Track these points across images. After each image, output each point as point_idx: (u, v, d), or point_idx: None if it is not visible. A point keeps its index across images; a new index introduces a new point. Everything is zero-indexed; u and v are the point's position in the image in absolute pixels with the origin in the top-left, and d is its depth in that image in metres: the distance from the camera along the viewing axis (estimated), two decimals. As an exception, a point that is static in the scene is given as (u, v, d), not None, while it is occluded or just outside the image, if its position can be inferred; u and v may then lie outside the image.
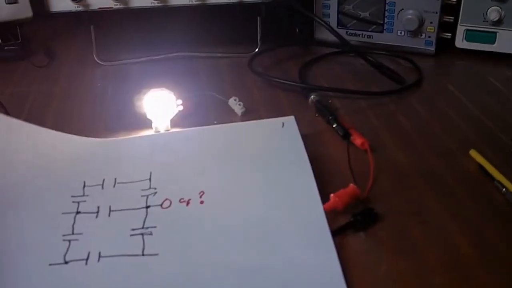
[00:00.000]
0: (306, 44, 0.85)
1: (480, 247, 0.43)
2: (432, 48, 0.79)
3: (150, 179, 0.51)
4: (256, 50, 0.79)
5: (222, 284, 0.39)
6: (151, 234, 0.44)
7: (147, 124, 0.60)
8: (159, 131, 0.59)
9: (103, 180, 0.51)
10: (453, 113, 0.64)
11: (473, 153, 0.55)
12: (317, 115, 0.63)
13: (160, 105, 0.59)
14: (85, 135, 0.59)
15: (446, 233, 0.45)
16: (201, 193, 0.48)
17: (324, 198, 0.48)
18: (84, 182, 0.50)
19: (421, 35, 0.79)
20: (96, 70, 0.78)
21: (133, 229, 0.45)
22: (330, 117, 0.59)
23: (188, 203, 0.47)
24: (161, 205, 0.47)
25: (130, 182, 0.51)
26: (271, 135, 0.56)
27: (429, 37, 0.78)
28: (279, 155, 0.53)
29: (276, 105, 0.66)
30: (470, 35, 0.77)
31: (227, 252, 0.42)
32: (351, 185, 0.48)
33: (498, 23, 0.75)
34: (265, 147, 0.54)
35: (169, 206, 0.47)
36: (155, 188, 0.49)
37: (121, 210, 0.47)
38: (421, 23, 0.77)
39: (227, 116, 0.63)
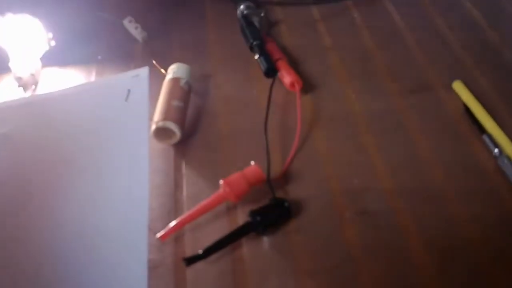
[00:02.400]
0: None
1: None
2: None
3: None
4: None
5: None
6: None
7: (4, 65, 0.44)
8: (19, 77, 0.43)
9: None
10: (444, 21, 0.45)
11: (457, 86, 0.37)
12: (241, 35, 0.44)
13: (21, 38, 0.43)
14: None
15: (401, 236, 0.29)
16: None
17: (216, 186, 0.32)
18: None
19: None
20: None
21: None
22: (253, 42, 0.41)
23: None
24: None
25: None
26: (108, 115, 0.38)
27: None
28: (111, 148, 0.36)
29: (199, 15, 0.48)
30: None
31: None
32: (253, 165, 0.32)
33: None
34: (97, 135, 0.37)
35: None
36: None
37: None
38: None
39: (127, 43, 0.45)
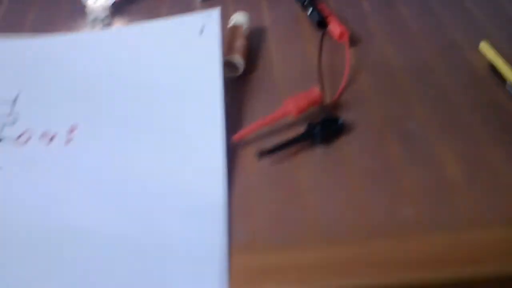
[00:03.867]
0: None
1: (474, 172, 0.33)
2: None
3: (14, 101, 0.40)
4: None
5: (67, 251, 0.30)
6: None
7: (82, 10, 0.49)
8: (95, 20, 0.48)
9: None
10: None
11: (483, 47, 0.42)
12: None
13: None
14: (8, 22, 0.49)
15: (434, 153, 0.35)
16: (73, 128, 0.37)
17: (280, 104, 0.37)
18: None
19: None
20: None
21: None
22: (305, 1, 0.47)
23: (51, 139, 0.36)
24: (17, 138, 0.37)
25: None
26: (183, 45, 0.42)
27: None
28: (185, 77, 0.40)
29: None
30: None
31: (81, 213, 0.32)
32: (313, 87, 0.37)
33: None
34: (171, 64, 0.41)
35: (26, 141, 0.37)
36: (17, 114, 0.39)
37: None
38: None
39: (183, 2, 0.51)
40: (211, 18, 0.43)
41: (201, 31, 0.42)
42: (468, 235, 0.30)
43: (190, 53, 0.41)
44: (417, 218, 0.31)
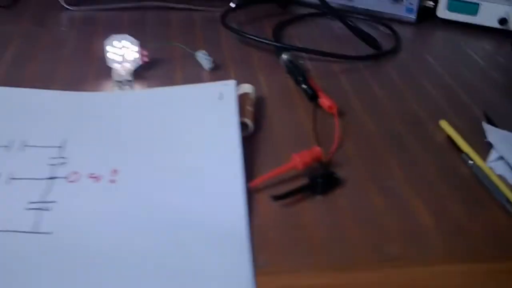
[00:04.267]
0: (284, 2, 0.81)
1: (440, 218, 0.42)
2: (413, 16, 0.76)
3: (62, 147, 0.46)
4: (231, 4, 0.75)
5: (114, 274, 0.36)
6: (49, 209, 0.40)
7: (109, 74, 0.57)
8: (120, 81, 0.56)
9: (10, 140, 0.47)
10: (428, 82, 0.62)
11: (443, 123, 0.53)
12: (287, 75, 0.60)
13: (123, 52, 0.56)
14: (38, 79, 0.56)
15: (408, 202, 0.44)
16: (115, 171, 0.44)
17: (286, 159, 0.45)
18: None
19: (403, 2, 0.76)
20: (61, 15, 0.74)
21: (30, 202, 0.40)
22: (299, 78, 0.57)
23: (98, 179, 0.43)
24: (67, 177, 0.43)
25: (40, 146, 0.46)
26: (205, 106, 0.51)
27: (411, 4, 0.76)
28: (208, 132, 0.48)
29: (246, 63, 0.64)
30: (453, 5, 0.75)
31: (129, 240, 0.38)
32: (315, 146, 0.46)
33: (482, -6, 0.73)
34: (195, 121, 0.49)
35: (76, 180, 0.43)
36: (65, 158, 0.45)
37: (21, 178, 0.43)
38: (404, -11, 0.74)
39: (194, 70, 0.60)
40: (228, 87, 0.52)
41: (221, 97, 0.50)
42: (436, 267, 0.38)
43: (212, 114, 0.49)
44: (398, 253, 0.39)
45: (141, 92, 0.55)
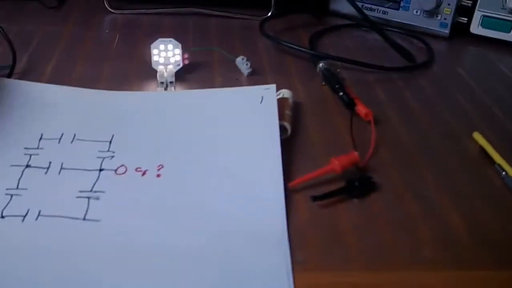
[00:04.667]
0: (320, 13, 0.83)
1: (473, 227, 0.43)
2: (447, 31, 0.78)
3: (110, 142, 0.49)
4: (269, 13, 0.77)
5: (158, 264, 0.37)
6: (97, 199, 0.42)
7: (151, 75, 0.59)
8: (162, 82, 0.58)
9: (62, 134, 0.49)
10: (461, 96, 0.63)
11: (476, 135, 0.54)
12: (323, 83, 0.62)
13: (166, 55, 0.59)
14: (84, 79, 0.59)
15: (441, 210, 0.45)
16: (160, 167, 0.46)
17: (322, 162, 0.47)
18: (42, 134, 0.49)
19: (437, 16, 0.77)
20: (105, 17, 0.77)
21: (80, 191, 0.43)
22: (336, 86, 0.58)
23: (144, 173, 0.45)
24: (115, 170, 0.45)
25: (90, 140, 0.49)
26: (247, 109, 0.53)
27: (445, 19, 0.77)
28: (250, 133, 0.50)
29: (283, 70, 0.66)
30: (487, 22, 0.76)
31: (171, 233, 0.40)
32: (353, 151, 0.47)
33: (516, 12, 0.74)
34: (238, 123, 0.51)
35: (123, 173, 0.45)
36: (113, 152, 0.47)
37: (72, 169, 0.45)
38: (439, 4, 0.76)
39: (233, 75, 0.62)
40: (269, 91, 0.53)
41: (262, 100, 0.52)
42: (469, 274, 0.39)
43: (254, 116, 0.51)
44: (430, 258, 0.40)
45: (185, 93, 0.57)
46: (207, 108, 0.53)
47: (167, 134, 0.50)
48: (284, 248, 0.39)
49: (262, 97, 0.53)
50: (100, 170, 0.45)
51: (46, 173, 0.45)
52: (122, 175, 0.45)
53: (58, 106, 0.53)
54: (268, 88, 0.54)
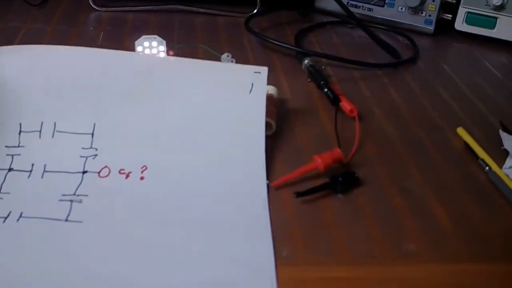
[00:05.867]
0: (305, 10, 0.83)
1: (458, 220, 0.43)
2: (431, 27, 0.78)
3: (92, 134, 0.47)
4: (255, 10, 0.77)
5: (141, 265, 0.37)
6: (80, 202, 0.42)
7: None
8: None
9: (41, 124, 0.47)
10: (445, 91, 0.64)
11: (460, 131, 0.54)
12: (309, 80, 0.62)
13: (151, 52, 0.58)
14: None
15: (426, 203, 0.45)
16: (144, 168, 0.45)
17: (307, 159, 0.47)
18: (20, 125, 0.47)
19: (422, 13, 0.78)
20: (90, 15, 0.77)
21: (63, 195, 0.42)
22: (321, 82, 0.58)
23: (127, 176, 0.45)
24: (98, 173, 0.45)
25: (71, 133, 0.47)
26: (235, 95, 0.50)
27: (430, 15, 0.77)
28: (235, 125, 0.49)
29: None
30: (471, 18, 0.77)
31: (154, 235, 0.40)
32: (336, 148, 0.47)
33: (500, 8, 0.74)
34: (223, 110, 0.50)
35: (107, 175, 0.45)
36: (96, 149, 0.46)
37: (55, 171, 0.45)
38: (423, 1, 0.76)
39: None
40: (259, 76, 0.51)
41: (251, 89, 0.50)
42: (455, 267, 0.39)
43: (240, 107, 0.49)
44: (415, 251, 0.40)
45: (173, 61, 0.54)
46: (194, 89, 0.50)
47: (152, 121, 0.48)
48: (268, 243, 0.39)
49: (252, 85, 0.51)
50: (84, 172, 0.45)
51: (29, 177, 0.44)
52: (106, 178, 0.45)
53: (30, 87, 0.49)
54: (259, 72, 0.51)
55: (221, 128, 0.49)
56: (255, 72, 0.51)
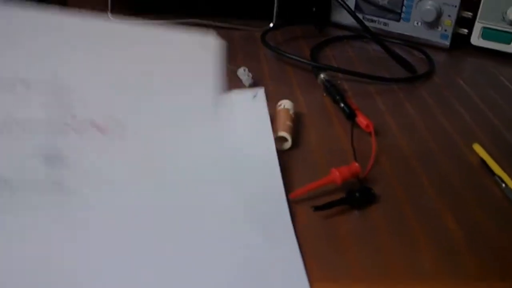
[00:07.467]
0: (321, 24, 0.84)
1: (473, 237, 0.43)
2: (447, 42, 0.78)
3: (54, 83, 0.42)
4: (271, 25, 0.78)
5: (129, 234, 0.37)
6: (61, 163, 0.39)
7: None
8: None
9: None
10: (461, 107, 0.64)
11: (476, 147, 0.54)
12: (324, 94, 0.62)
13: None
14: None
15: (441, 220, 0.45)
16: (123, 125, 0.42)
17: (323, 173, 0.47)
18: None
19: (438, 28, 0.78)
20: (108, 28, 0.78)
21: (37, 147, 0.39)
22: (337, 97, 0.59)
23: (104, 130, 0.41)
24: (70, 125, 0.41)
25: (34, 82, 0.42)
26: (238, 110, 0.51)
27: (445, 30, 0.78)
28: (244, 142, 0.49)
29: (285, 80, 0.66)
30: (487, 33, 0.77)
31: (135, 194, 0.40)
32: (354, 162, 0.48)
33: (516, 23, 0.74)
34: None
35: (80, 130, 0.41)
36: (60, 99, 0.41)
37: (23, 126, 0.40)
38: (439, 15, 0.76)
39: (234, 85, 0.63)
40: (256, 99, 0.52)
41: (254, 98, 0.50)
42: (470, 285, 0.39)
43: (246, 133, 0.49)
44: (430, 269, 0.40)
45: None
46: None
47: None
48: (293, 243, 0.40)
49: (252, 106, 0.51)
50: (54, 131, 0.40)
51: None
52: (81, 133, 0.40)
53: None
54: (255, 95, 0.51)
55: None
56: (253, 97, 0.53)
